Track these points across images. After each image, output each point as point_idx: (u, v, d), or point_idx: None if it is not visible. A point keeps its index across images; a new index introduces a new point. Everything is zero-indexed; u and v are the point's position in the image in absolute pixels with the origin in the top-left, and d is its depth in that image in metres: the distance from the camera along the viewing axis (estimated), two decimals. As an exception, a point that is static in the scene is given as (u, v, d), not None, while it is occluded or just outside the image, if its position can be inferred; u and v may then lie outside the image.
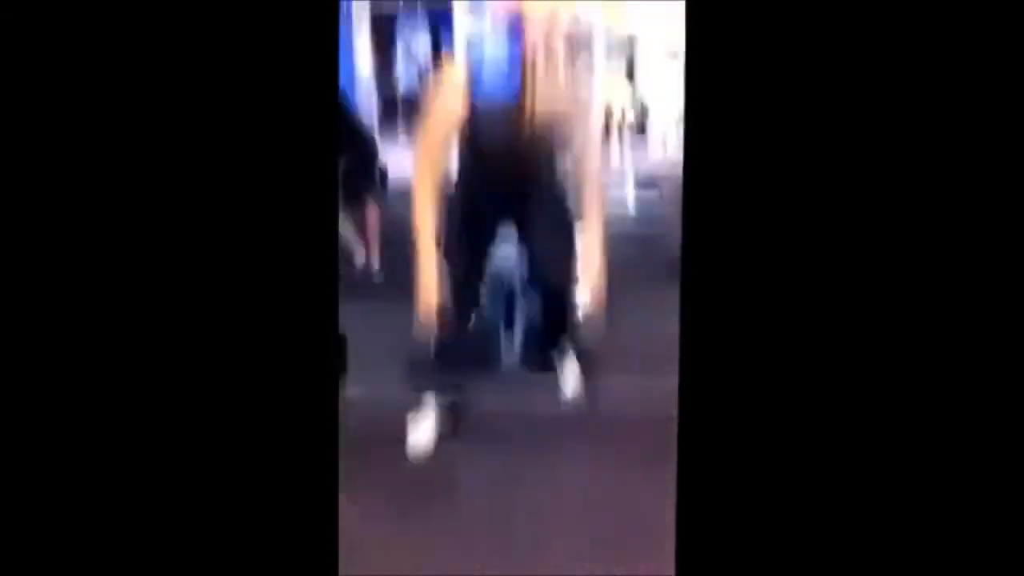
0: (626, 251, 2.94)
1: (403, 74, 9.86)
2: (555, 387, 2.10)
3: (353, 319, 2.08)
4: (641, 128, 5.35)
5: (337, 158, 3.41)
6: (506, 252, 1.98)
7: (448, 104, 1.74)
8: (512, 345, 2.00)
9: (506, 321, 2.02)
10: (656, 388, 1.91)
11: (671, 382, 0.77)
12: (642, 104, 5.11)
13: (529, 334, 2.49)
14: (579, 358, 2.13)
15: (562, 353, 2.11)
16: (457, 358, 2.03)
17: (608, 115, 4.85)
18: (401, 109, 10.10)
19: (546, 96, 1.70)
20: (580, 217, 1.87)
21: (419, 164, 1.79)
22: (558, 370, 2.14)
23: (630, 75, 5.18)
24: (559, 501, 1.85)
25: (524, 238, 1.97)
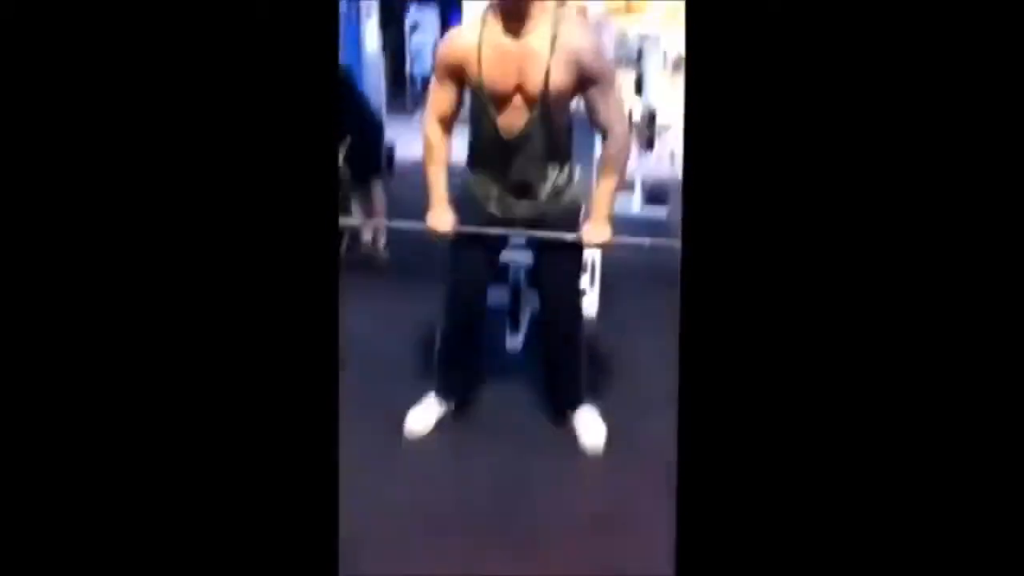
0: (630, 262, 2.89)
1: (413, 50, 9.78)
2: (573, 441, 2.03)
3: (358, 297, 2.11)
4: (649, 143, 5.38)
5: (338, 140, 3.40)
6: (513, 255, 1.93)
7: (463, 39, 1.73)
8: (517, 335, 1.99)
9: (511, 313, 2.00)
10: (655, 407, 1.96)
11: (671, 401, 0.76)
12: (651, 114, 5.10)
13: (534, 326, 2.48)
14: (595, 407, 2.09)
15: (575, 406, 2.06)
16: (460, 360, 2.05)
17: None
18: (410, 87, 10.04)
19: (571, 45, 1.66)
20: (601, 169, 1.82)
21: (432, 98, 1.82)
22: (575, 423, 2.07)
23: (638, 89, 5.19)
24: (559, 495, 1.85)
25: (535, 259, 1.99)
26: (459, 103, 1.81)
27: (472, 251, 1.91)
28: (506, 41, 1.66)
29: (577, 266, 1.95)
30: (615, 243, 1.82)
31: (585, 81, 1.69)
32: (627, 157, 1.80)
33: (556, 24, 1.65)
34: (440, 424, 2.10)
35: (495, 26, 1.67)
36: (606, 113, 1.73)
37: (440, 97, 1.80)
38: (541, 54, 1.65)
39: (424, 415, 2.09)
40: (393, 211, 3.85)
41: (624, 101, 1.78)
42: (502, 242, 1.99)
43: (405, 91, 10.08)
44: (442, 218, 1.85)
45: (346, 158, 3.51)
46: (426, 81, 10.06)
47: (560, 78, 1.67)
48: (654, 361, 2.37)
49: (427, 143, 1.84)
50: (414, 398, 2.14)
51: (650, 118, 5.15)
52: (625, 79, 6.10)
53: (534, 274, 2.04)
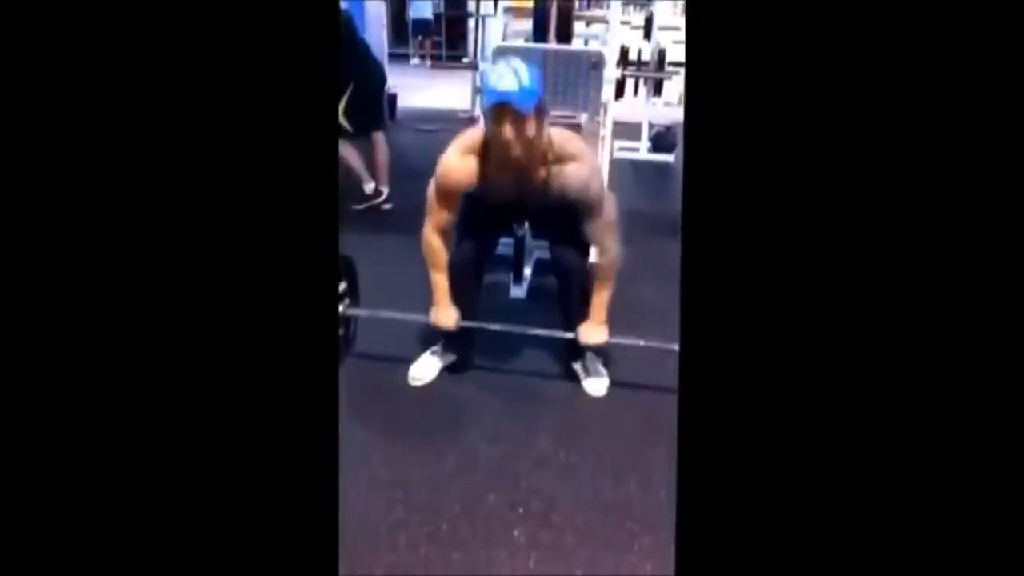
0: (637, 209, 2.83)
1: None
2: (579, 389, 2.08)
3: (363, 245, 2.10)
4: (658, 89, 5.36)
5: (339, 91, 3.35)
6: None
7: (462, 171, 1.83)
8: (521, 284, 1.98)
9: (515, 263, 1.99)
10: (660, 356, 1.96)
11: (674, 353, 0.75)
12: (660, 53, 5.04)
13: (537, 271, 2.46)
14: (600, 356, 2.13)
15: (583, 356, 2.10)
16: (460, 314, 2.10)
17: (624, 63, 4.84)
18: (412, 32, 9.87)
19: (562, 179, 1.80)
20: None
21: (431, 213, 1.94)
22: (581, 373, 2.11)
23: (647, 34, 5.12)
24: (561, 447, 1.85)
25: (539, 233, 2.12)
26: (457, 214, 1.93)
27: (475, 215, 1.96)
28: (504, 167, 1.78)
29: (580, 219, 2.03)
30: (610, 345, 1.96)
31: (577, 207, 1.84)
32: (617, 268, 1.94)
33: (549, 155, 1.77)
34: (442, 373, 2.12)
35: (491, 154, 1.78)
36: (597, 235, 1.89)
37: (440, 214, 1.93)
38: (536, 182, 1.80)
39: (425, 368, 2.12)
40: (395, 161, 3.83)
41: (615, 222, 1.93)
42: (506, 217, 2.01)
43: (407, 38, 9.92)
44: (447, 316, 1.99)
45: (348, 107, 3.46)
46: (418, 25, 9.91)
47: (553, 202, 1.83)
48: (658, 308, 2.39)
49: (429, 250, 1.96)
50: (416, 351, 2.15)
51: (660, 59, 5.04)
52: (636, 19, 5.98)
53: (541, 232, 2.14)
